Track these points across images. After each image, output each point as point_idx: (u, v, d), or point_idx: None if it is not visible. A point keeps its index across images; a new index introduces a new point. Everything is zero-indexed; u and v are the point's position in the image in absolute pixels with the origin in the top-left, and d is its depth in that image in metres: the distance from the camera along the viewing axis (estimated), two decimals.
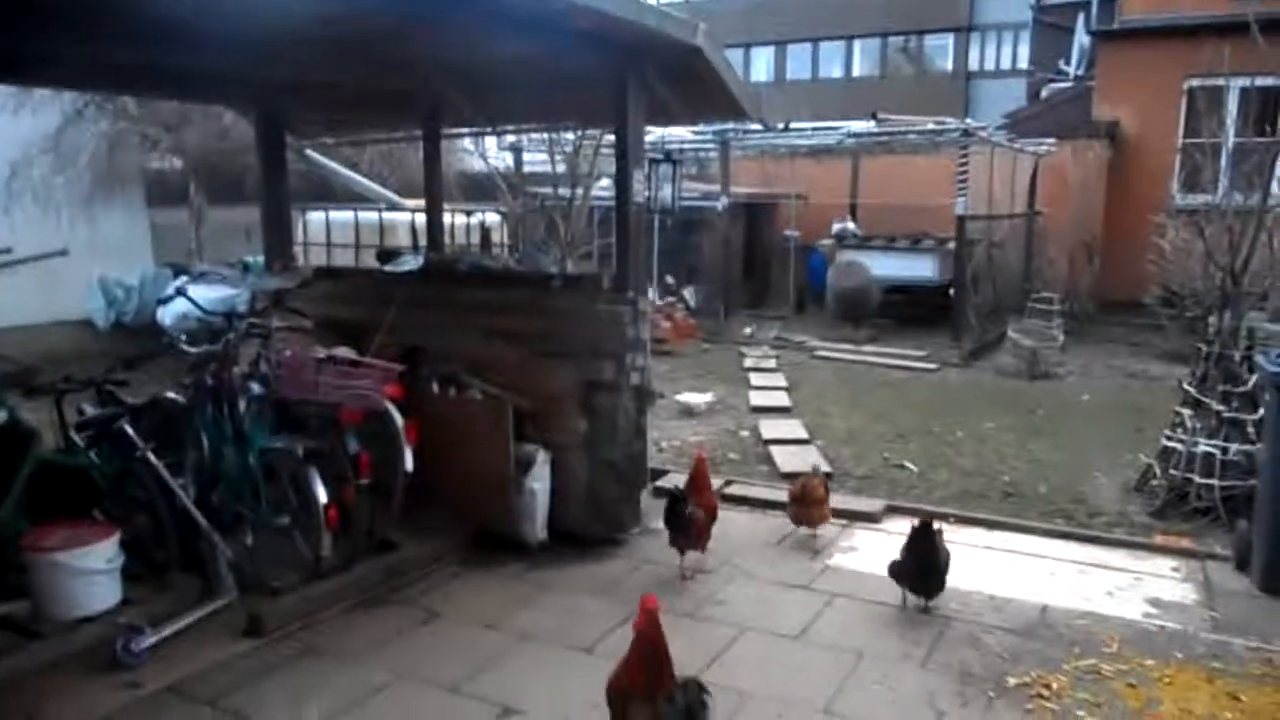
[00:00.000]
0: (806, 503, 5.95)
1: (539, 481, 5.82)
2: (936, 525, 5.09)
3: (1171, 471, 6.59)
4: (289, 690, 4.28)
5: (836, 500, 6.36)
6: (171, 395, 5.52)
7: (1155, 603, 5.24)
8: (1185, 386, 6.76)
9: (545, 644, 4.69)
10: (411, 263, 7.14)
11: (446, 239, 9.53)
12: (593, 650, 4.62)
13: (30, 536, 4.78)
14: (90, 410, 5.50)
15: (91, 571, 4.73)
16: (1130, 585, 5.48)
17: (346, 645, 4.71)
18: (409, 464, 5.44)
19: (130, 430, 5.15)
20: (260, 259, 9.29)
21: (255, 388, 5.43)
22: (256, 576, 5.19)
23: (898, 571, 5.08)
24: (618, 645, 4.65)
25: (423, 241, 9.65)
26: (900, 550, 5.07)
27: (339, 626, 4.94)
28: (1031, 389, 11.03)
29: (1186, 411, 6.63)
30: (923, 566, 5.00)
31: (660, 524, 5.54)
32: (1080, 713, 4.05)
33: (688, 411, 9.56)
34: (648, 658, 3.47)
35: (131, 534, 5.07)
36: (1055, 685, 4.29)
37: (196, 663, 4.53)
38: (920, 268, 14.75)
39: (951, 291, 13.63)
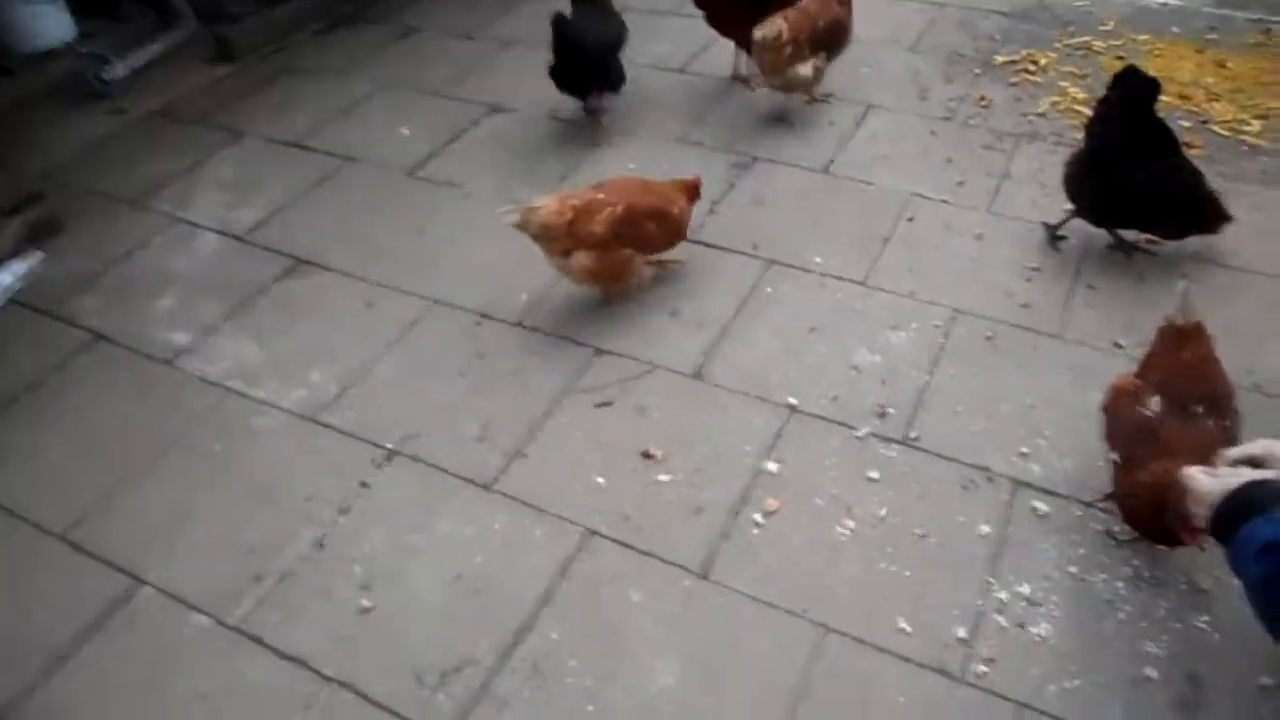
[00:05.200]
0: None
1: None
2: None
3: None
4: (274, 105, 4.26)
5: None
6: None
7: None
8: None
9: (528, 49, 4.53)
10: None
11: None
12: None
13: None
14: None
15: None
16: None
17: (324, 63, 4.59)
18: None
19: None
20: None
21: None
22: (214, 3, 4.89)
23: None
24: None
25: None
26: None
27: (313, 47, 4.78)
28: None
29: None
30: None
31: None
32: (1063, 84, 4.04)
33: None
34: None
35: None
36: (1043, 61, 4.24)
37: (176, 89, 4.46)
38: None
39: None
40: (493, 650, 2.12)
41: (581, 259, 2.81)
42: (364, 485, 2.50)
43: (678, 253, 3.11)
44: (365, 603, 2.22)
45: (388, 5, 5.13)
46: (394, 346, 2.92)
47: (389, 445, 2.60)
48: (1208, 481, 1.69)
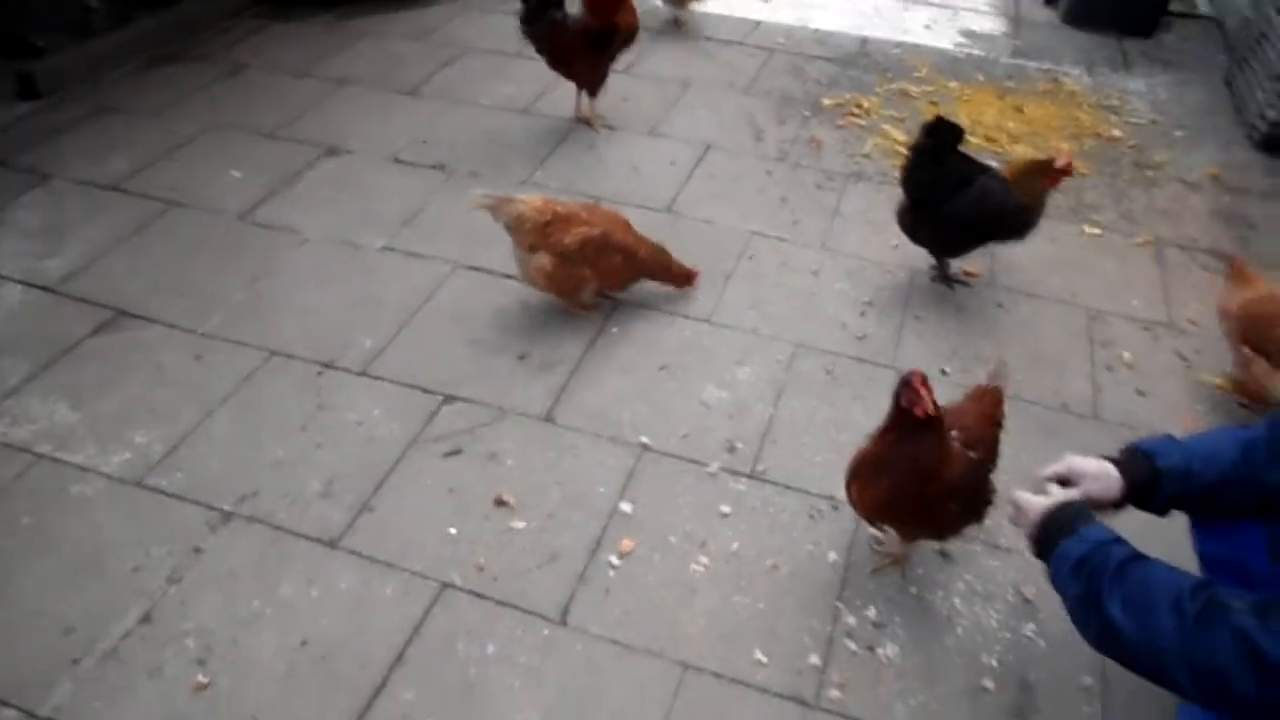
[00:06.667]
0: None
1: None
2: None
3: None
4: (86, 147, 3.96)
5: None
6: None
7: (967, 34, 5.40)
8: None
9: (365, 88, 4.45)
10: None
11: None
12: (417, 92, 4.45)
13: None
14: None
15: None
16: (947, 20, 5.59)
17: (144, 102, 4.32)
18: None
19: None
20: None
21: None
22: (16, 35, 4.54)
23: None
24: (442, 86, 4.53)
25: None
26: None
27: (132, 84, 4.49)
28: None
29: None
30: None
31: None
32: (886, 126, 4.32)
33: None
34: None
35: None
36: (866, 105, 4.51)
37: None
38: None
39: None
40: (343, 717, 2.01)
41: (543, 260, 2.88)
42: (197, 551, 2.34)
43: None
44: (201, 678, 2.07)
45: (215, 42, 4.91)
46: (228, 402, 2.76)
47: (224, 507, 2.45)
48: (1034, 500, 1.80)
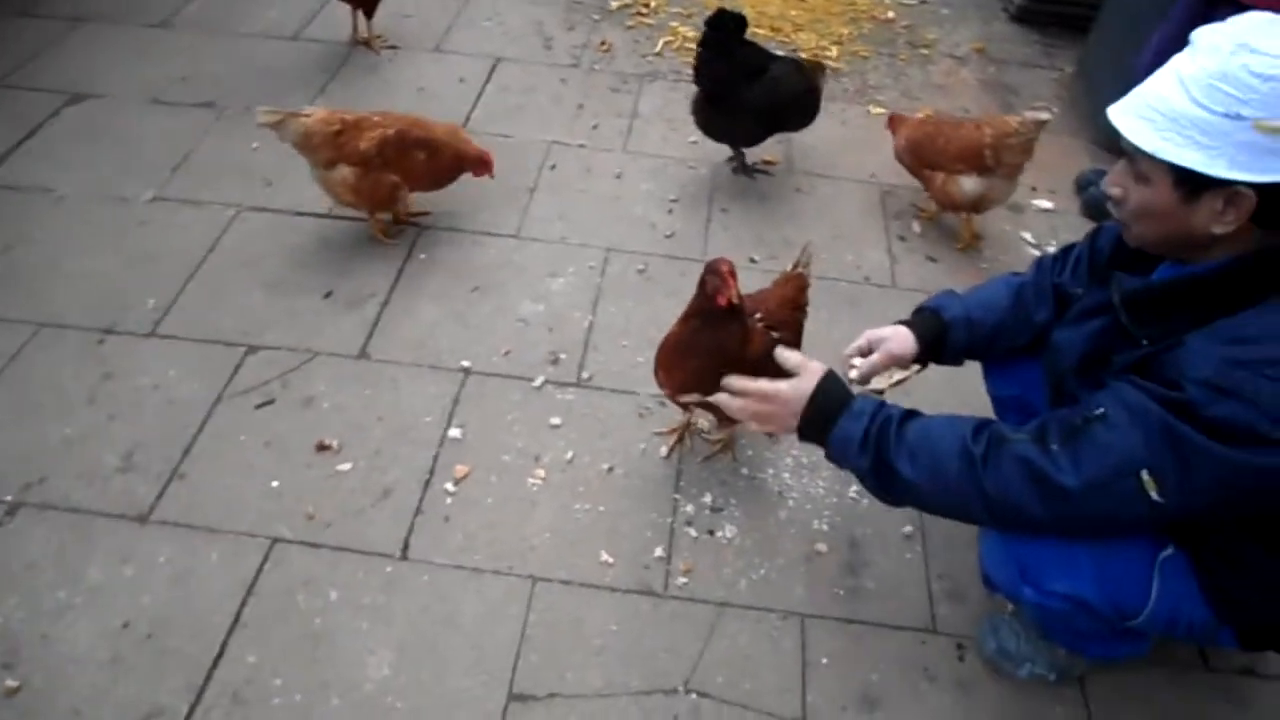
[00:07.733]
0: None
1: None
2: None
3: None
4: None
5: None
6: None
7: None
8: None
9: (107, 24, 3.97)
10: None
11: None
12: (168, 24, 4.02)
13: None
14: None
15: None
16: None
17: None
18: None
19: None
20: None
21: None
22: None
23: None
24: (196, 16, 4.14)
25: None
26: None
27: None
28: None
29: None
30: None
31: None
32: (674, 24, 4.30)
33: None
34: None
35: None
36: (654, 3, 4.46)
37: None
38: None
39: None
40: (181, 693, 1.90)
41: (344, 173, 2.75)
42: None
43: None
44: (10, 683, 1.89)
45: None
46: None
47: (7, 498, 2.21)
48: (781, 385, 1.73)
